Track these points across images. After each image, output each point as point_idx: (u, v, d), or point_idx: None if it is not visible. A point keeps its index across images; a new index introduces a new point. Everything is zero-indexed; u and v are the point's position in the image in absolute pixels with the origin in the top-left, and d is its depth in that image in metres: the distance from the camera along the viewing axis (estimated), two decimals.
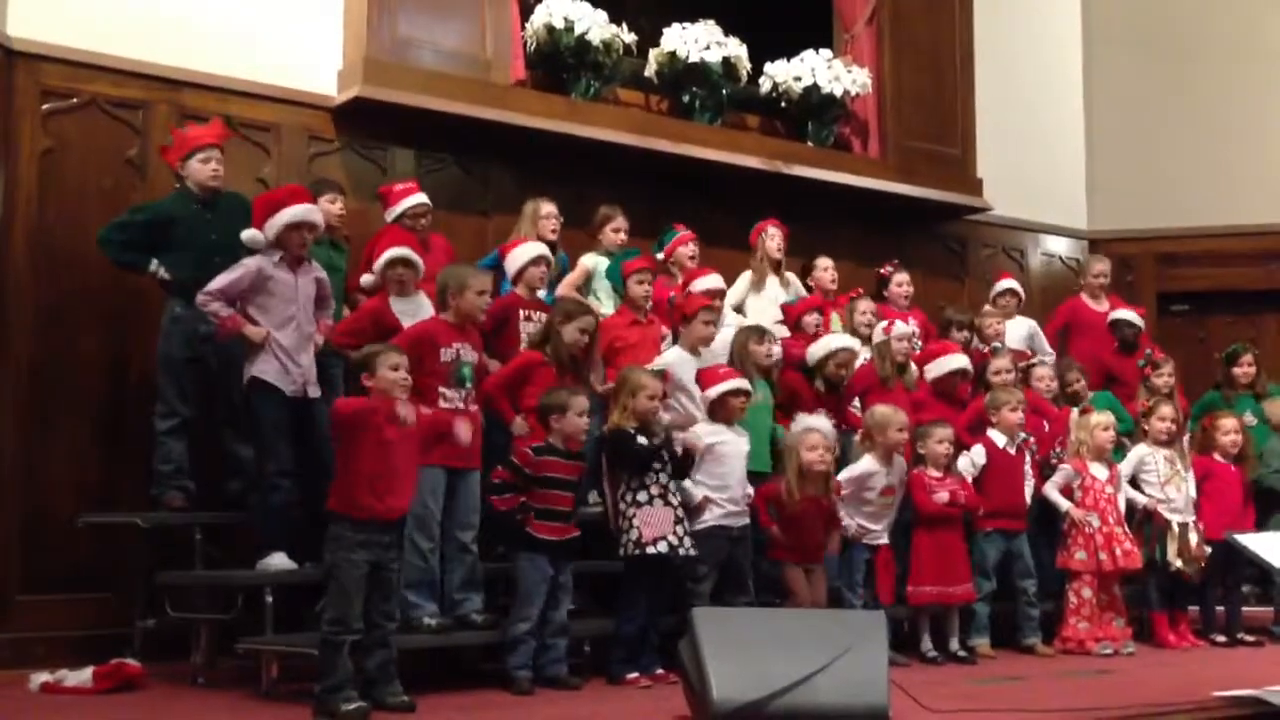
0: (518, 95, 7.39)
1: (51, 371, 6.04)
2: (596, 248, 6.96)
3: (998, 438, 6.68)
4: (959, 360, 7.02)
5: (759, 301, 7.39)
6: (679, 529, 5.36)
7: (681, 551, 5.34)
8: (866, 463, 6.19)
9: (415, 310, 5.69)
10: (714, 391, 5.73)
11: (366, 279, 6.06)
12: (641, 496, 5.33)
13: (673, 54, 8.05)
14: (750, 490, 5.78)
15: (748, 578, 5.76)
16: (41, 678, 5.05)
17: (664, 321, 6.57)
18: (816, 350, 6.65)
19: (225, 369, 5.78)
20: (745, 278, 7.46)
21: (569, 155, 7.58)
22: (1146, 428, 7.11)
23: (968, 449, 6.66)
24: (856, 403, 6.82)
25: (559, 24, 7.55)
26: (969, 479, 6.53)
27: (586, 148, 7.57)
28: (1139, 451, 7.03)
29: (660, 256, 7.03)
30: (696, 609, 4.45)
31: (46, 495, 5.95)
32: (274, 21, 6.90)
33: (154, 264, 5.78)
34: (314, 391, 5.59)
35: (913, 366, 7.06)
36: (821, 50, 8.73)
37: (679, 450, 5.49)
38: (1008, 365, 7.19)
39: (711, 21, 8.17)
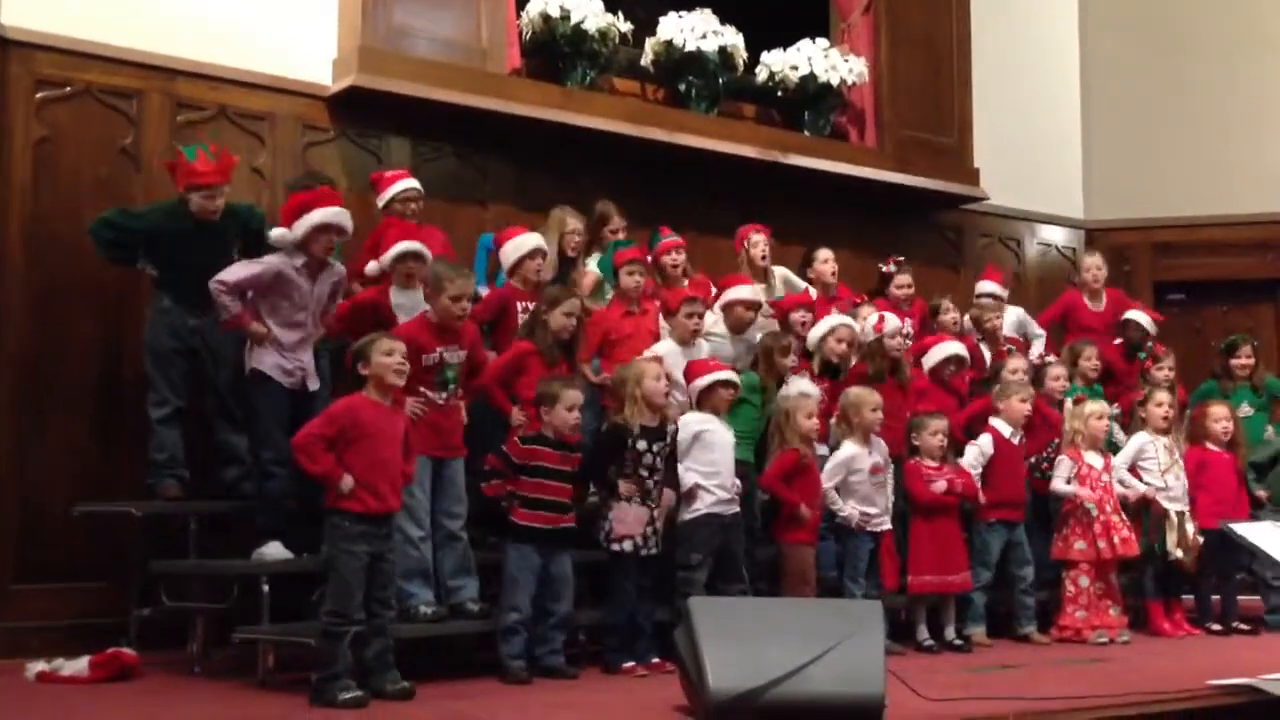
0: (513, 84, 7.37)
1: (46, 360, 6.03)
2: (597, 248, 6.94)
3: (1003, 427, 6.69)
4: (953, 347, 7.04)
5: None
6: (649, 529, 5.38)
7: (644, 553, 5.36)
8: (848, 447, 6.20)
9: (414, 304, 5.69)
10: (703, 381, 5.73)
11: (373, 267, 6.03)
12: (621, 487, 5.35)
13: (669, 43, 8.04)
14: (738, 481, 5.78)
15: (741, 565, 5.77)
16: (38, 667, 5.05)
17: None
18: (815, 331, 6.69)
19: (215, 360, 5.79)
20: None
21: (565, 144, 7.57)
22: (1144, 415, 7.12)
23: (960, 444, 6.67)
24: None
25: (555, 12, 7.53)
26: (977, 470, 6.55)
27: (582, 137, 7.55)
28: (1139, 439, 7.03)
29: (648, 259, 6.89)
30: (693, 598, 4.46)
31: (41, 484, 5.94)
32: (268, 10, 6.87)
33: (140, 261, 5.80)
34: (313, 384, 5.61)
35: (904, 364, 7.02)
36: (818, 39, 8.72)
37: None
38: (1025, 365, 7.21)
39: (708, 10, 8.15)
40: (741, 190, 8.14)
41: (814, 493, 6.01)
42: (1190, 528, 6.82)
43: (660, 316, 6.48)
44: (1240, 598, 7.25)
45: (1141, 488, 6.88)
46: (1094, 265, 8.58)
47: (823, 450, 6.28)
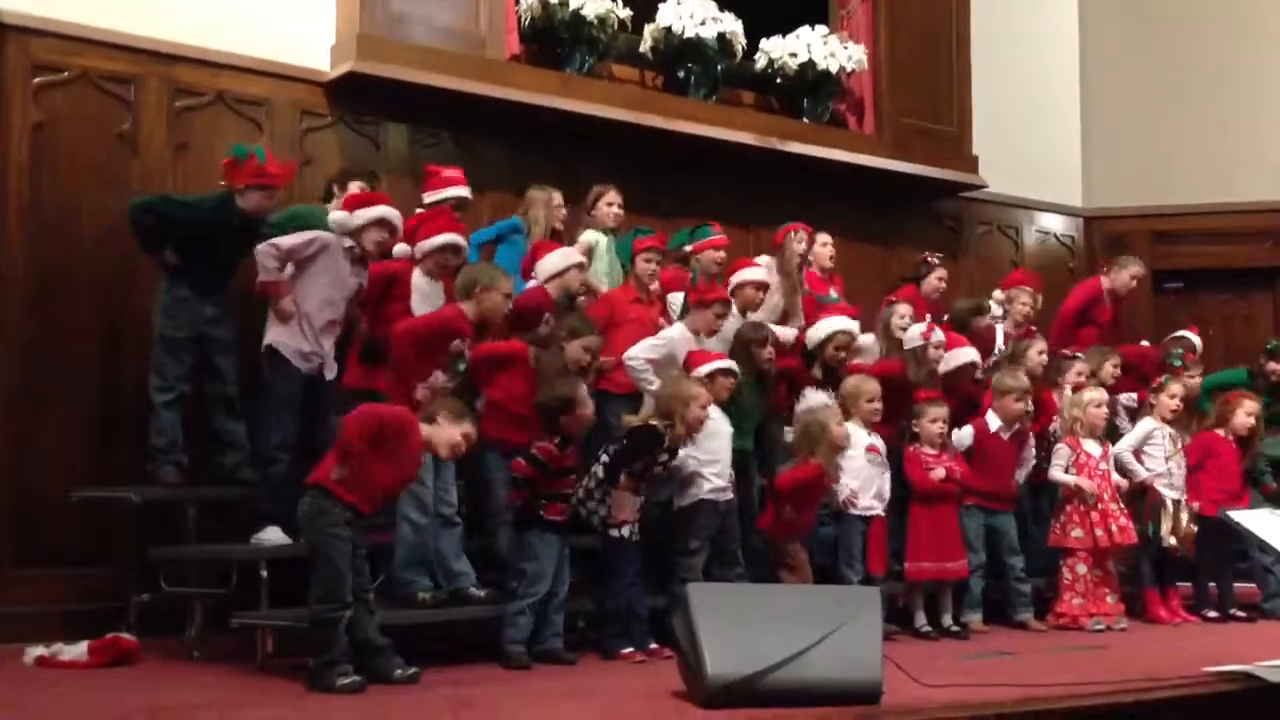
0: (512, 71, 7.35)
1: (43, 346, 6.02)
2: (591, 224, 6.94)
3: (993, 421, 6.69)
4: (969, 354, 6.96)
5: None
6: (638, 515, 5.43)
7: (634, 539, 5.40)
8: (849, 425, 6.18)
9: (434, 294, 5.72)
10: (704, 370, 5.75)
11: (401, 249, 5.99)
12: (621, 480, 5.35)
13: (668, 29, 8.01)
14: (732, 472, 5.78)
15: (738, 551, 5.78)
16: (36, 652, 5.05)
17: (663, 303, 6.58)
18: (815, 334, 6.62)
19: (223, 348, 5.85)
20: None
21: (563, 131, 7.55)
22: (1154, 403, 7.13)
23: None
24: None
25: None
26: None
27: (581, 123, 7.53)
28: (1147, 425, 7.04)
29: (688, 249, 6.84)
30: (691, 584, 4.47)
31: (40, 470, 5.93)
32: None
33: (168, 253, 5.78)
34: (330, 373, 5.64)
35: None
36: (817, 26, 8.69)
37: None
38: (1085, 369, 7.22)
39: None
40: (740, 177, 8.13)
41: (817, 499, 6.03)
42: (1185, 516, 6.85)
43: (665, 306, 6.53)
44: (1237, 585, 7.27)
45: (1143, 473, 6.90)
46: (1139, 274, 8.43)
47: None
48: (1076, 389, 7.09)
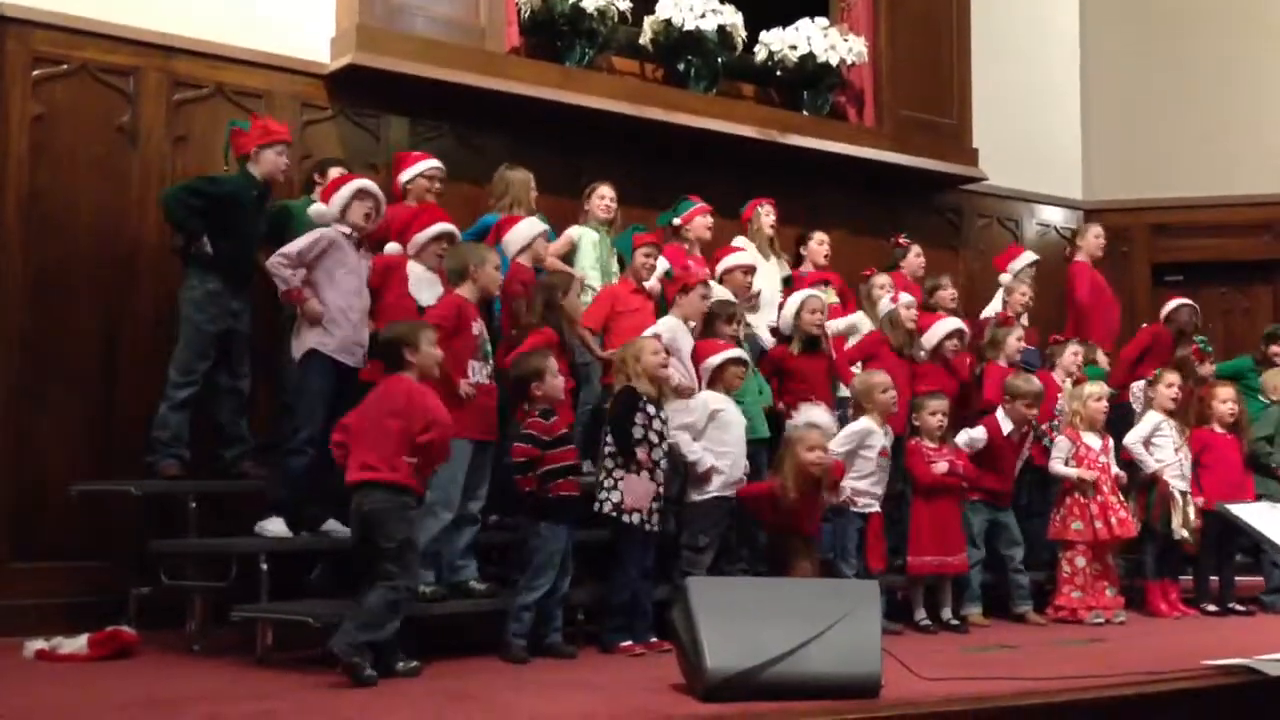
0: (512, 63, 7.34)
1: (43, 338, 6.02)
2: (585, 218, 6.95)
3: (1005, 423, 6.70)
4: (952, 323, 7.06)
5: (759, 278, 7.35)
6: (654, 504, 5.38)
7: (648, 528, 5.36)
8: (865, 421, 6.21)
9: (432, 282, 5.70)
10: (715, 360, 5.77)
11: (393, 247, 5.96)
12: (632, 465, 5.33)
13: (668, 22, 8.00)
14: (747, 463, 5.79)
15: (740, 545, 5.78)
16: (36, 645, 5.07)
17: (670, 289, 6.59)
18: (788, 310, 6.71)
19: (246, 343, 5.91)
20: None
21: (563, 123, 7.54)
22: (1153, 395, 7.13)
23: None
24: (859, 366, 6.86)
25: None
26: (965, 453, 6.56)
27: (581, 116, 7.52)
28: (1155, 417, 7.04)
29: (677, 222, 7.09)
30: (690, 578, 4.47)
31: (40, 463, 5.93)
32: None
33: (204, 240, 5.75)
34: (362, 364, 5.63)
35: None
36: (817, 19, 8.68)
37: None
38: (1080, 351, 7.45)
39: None
40: (740, 170, 8.12)
41: (782, 521, 5.88)
42: (1192, 508, 6.85)
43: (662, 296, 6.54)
44: (1243, 578, 7.28)
45: (1153, 464, 6.90)
46: (1099, 230, 8.69)
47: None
48: (1077, 382, 7.11)
